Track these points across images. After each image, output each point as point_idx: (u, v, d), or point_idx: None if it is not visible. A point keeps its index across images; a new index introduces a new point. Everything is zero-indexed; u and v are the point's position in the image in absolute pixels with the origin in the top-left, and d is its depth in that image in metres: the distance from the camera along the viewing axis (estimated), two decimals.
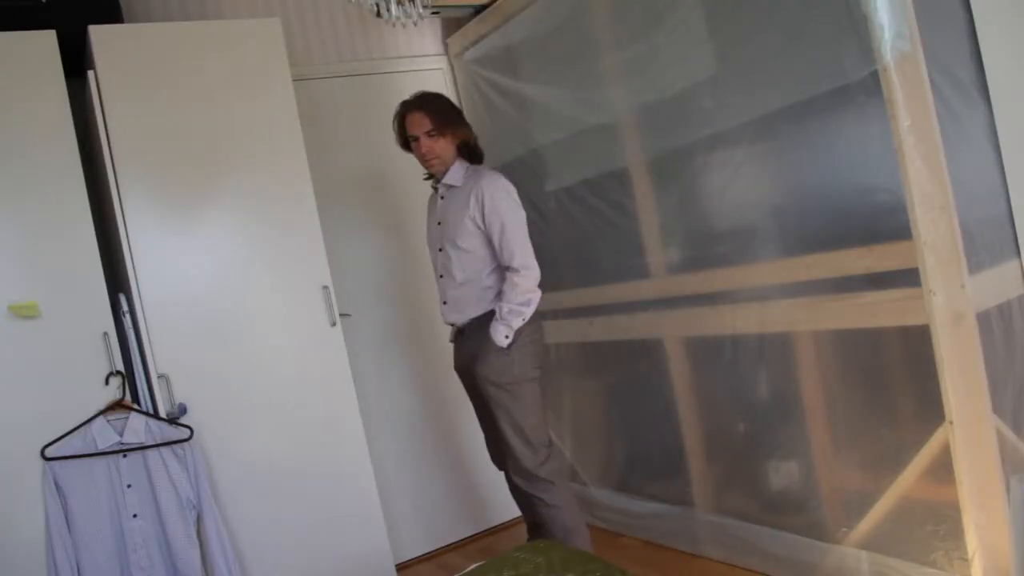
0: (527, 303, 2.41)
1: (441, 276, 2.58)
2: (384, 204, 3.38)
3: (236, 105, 2.64)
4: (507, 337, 2.39)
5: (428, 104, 2.49)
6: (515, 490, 2.60)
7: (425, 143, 2.48)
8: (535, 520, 2.60)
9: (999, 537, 1.89)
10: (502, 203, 2.42)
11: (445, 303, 2.58)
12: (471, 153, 2.58)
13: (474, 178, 2.48)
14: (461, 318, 2.55)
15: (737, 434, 2.58)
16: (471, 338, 2.52)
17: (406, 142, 2.58)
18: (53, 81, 2.36)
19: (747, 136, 2.31)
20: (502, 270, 2.47)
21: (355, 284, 3.23)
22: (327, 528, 2.66)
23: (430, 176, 2.64)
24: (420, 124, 2.47)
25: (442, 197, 2.57)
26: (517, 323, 2.40)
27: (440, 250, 2.56)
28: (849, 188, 2.05)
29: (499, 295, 2.47)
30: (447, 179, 2.53)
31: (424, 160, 2.53)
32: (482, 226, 2.43)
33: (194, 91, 2.58)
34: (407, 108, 2.52)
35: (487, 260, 2.49)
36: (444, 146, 2.49)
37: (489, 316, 2.46)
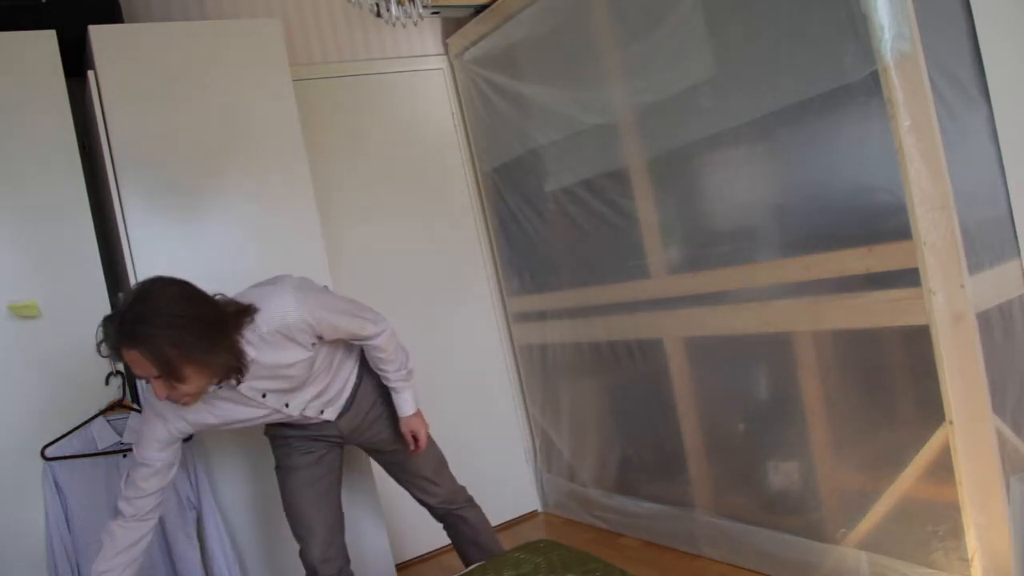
0: (405, 355, 2.13)
1: (304, 409, 2.03)
2: (384, 204, 3.38)
3: (236, 105, 2.64)
4: (415, 402, 2.15)
5: (146, 338, 1.57)
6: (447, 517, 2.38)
7: (161, 388, 1.63)
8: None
9: (999, 537, 1.89)
10: (314, 310, 1.84)
11: (323, 411, 2.09)
12: (233, 373, 1.75)
13: (266, 330, 1.78)
14: (342, 400, 2.13)
15: (737, 434, 2.58)
16: (360, 407, 2.17)
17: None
18: (53, 81, 2.36)
19: (747, 136, 2.31)
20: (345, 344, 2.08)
21: (355, 284, 3.23)
22: None
23: None
24: (140, 366, 1.60)
25: (238, 382, 1.80)
26: (412, 381, 2.15)
27: (287, 405, 1.97)
28: (849, 188, 2.05)
29: (357, 359, 2.15)
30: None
31: (171, 401, 1.70)
32: (313, 351, 1.90)
33: (194, 91, 2.58)
34: (112, 340, 1.60)
35: (328, 352, 2.02)
36: (194, 383, 1.66)
37: (360, 379, 2.16)
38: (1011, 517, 1.79)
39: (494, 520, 3.44)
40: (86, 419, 2.31)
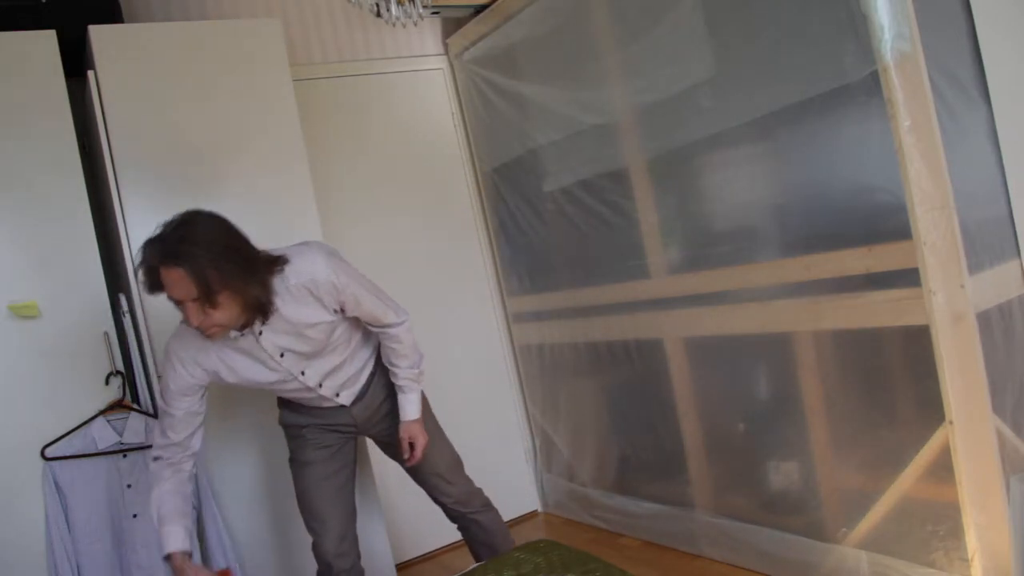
0: (420, 355, 2.12)
1: (320, 384, 2.03)
2: (384, 204, 3.38)
3: (236, 105, 2.64)
4: (419, 408, 2.11)
5: (188, 259, 1.63)
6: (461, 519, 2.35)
7: (194, 313, 1.69)
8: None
9: (999, 537, 1.89)
10: (344, 278, 1.89)
11: (339, 394, 2.09)
12: (260, 309, 1.78)
13: (294, 282, 1.83)
14: (358, 386, 2.13)
15: (737, 434, 2.58)
16: (375, 396, 2.17)
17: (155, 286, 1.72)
18: (53, 81, 2.36)
19: (747, 136, 2.31)
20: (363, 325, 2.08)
21: None
22: None
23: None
24: (179, 287, 1.66)
25: (260, 332, 1.86)
26: (421, 385, 2.12)
27: (303, 373, 1.97)
28: (849, 188, 2.05)
29: (374, 351, 2.14)
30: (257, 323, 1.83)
31: (197, 328, 1.75)
32: (335, 318, 1.93)
33: (194, 91, 2.58)
34: (155, 259, 1.66)
35: (349, 328, 2.04)
36: (225, 308, 1.71)
37: (375, 370, 2.15)
38: (1011, 517, 1.79)
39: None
40: (86, 419, 2.31)
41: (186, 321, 1.74)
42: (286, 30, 2.92)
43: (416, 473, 2.26)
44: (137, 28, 2.68)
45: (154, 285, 1.71)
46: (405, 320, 2.06)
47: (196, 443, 1.94)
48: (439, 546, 3.32)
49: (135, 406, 2.39)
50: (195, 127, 2.57)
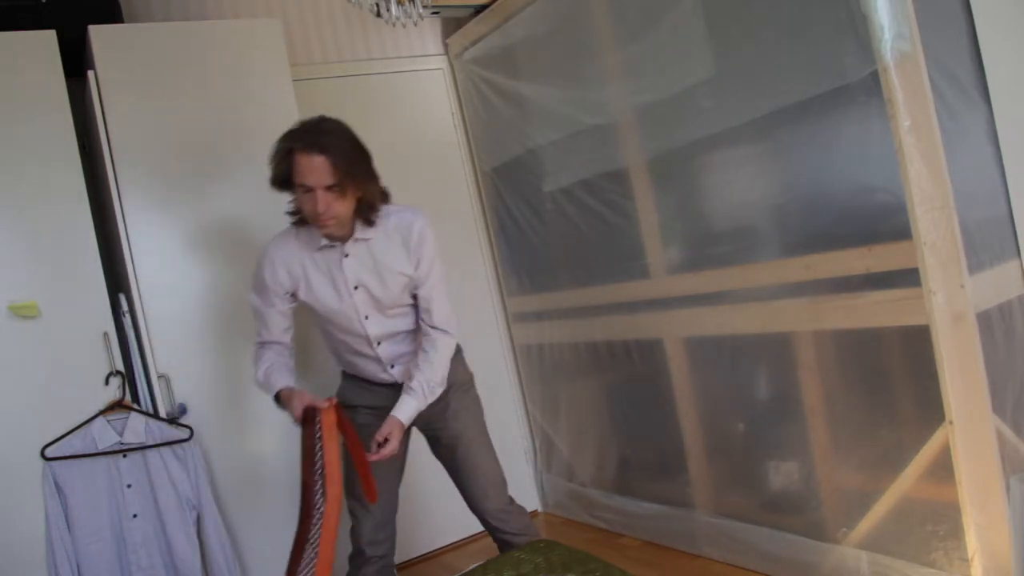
0: (443, 380, 2.06)
1: (379, 343, 2.09)
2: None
3: (236, 105, 2.64)
4: (410, 419, 2.01)
5: (332, 147, 1.82)
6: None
7: (323, 199, 1.83)
8: None
9: (999, 537, 1.89)
10: (436, 249, 2.03)
11: (393, 366, 2.12)
12: (370, 210, 1.96)
13: (394, 222, 1.99)
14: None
15: (737, 434, 2.58)
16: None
17: (286, 183, 1.91)
18: (53, 81, 2.36)
19: (747, 136, 2.31)
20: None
21: None
22: None
23: (304, 221, 1.98)
24: (318, 173, 1.81)
25: (347, 255, 2.00)
26: (424, 404, 2.03)
27: (367, 318, 2.04)
28: (849, 188, 2.05)
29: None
30: (359, 233, 1.98)
31: (316, 218, 1.87)
32: (413, 275, 2.01)
33: (194, 91, 2.58)
34: (302, 147, 1.83)
35: (414, 312, 2.11)
36: (345, 202, 1.88)
37: None
38: (1011, 517, 1.79)
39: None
40: (86, 419, 2.31)
41: (307, 207, 1.87)
42: (286, 30, 2.92)
43: (457, 480, 2.22)
44: (137, 28, 2.68)
45: (283, 174, 1.88)
46: (451, 334, 2.07)
47: (288, 340, 2.11)
48: (439, 546, 3.32)
49: (135, 406, 2.39)
50: (195, 127, 2.57)
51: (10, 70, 2.32)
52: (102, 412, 2.33)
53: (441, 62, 3.57)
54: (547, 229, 3.22)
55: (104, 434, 2.31)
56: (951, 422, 1.88)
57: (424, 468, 3.32)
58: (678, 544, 2.83)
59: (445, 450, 2.20)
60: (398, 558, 3.03)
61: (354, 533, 2.16)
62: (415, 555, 3.27)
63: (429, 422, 2.16)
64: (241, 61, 2.66)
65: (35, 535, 2.23)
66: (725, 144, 2.38)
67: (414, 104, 3.49)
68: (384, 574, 2.19)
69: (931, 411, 1.92)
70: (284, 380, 2.03)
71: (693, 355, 2.67)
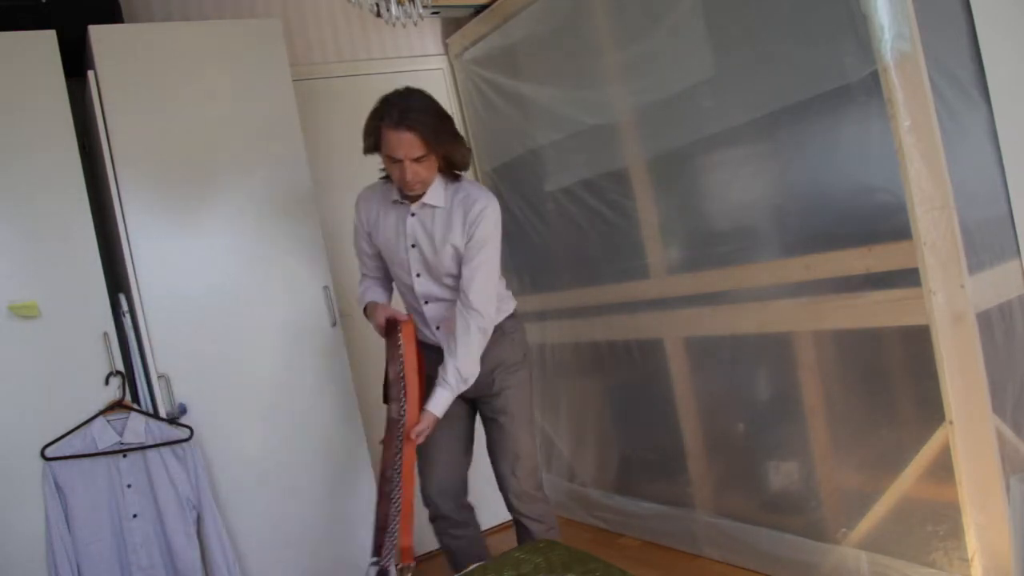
0: (475, 366, 2.09)
1: (426, 302, 2.22)
2: None
3: (236, 105, 2.64)
4: (443, 410, 2.06)
5: (418, 124, 1.98)
6: (463, 530, 2.34)
7: (411, 169, 2.01)
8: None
9: (999, 537, 1.89)
10: (492, 233, 2.10)
11: (439, 327, 2.23)
12: (454, 166, 2.14)
13: (463, 197, 2.11)
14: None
15: (737, 434, 2.58)
16: (484, 350, 2.17)
17: (374, 148, 2.10)
18: (53, 81, 2.36)
19: (747, 136, 2.31)
20: None
21: (355, 284, 3.22)
22: (327, 528, 2.66)
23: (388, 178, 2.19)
24: (406, 146, 1.98)
25: (413, 214, 2.15)
26: (456, 394, 2.08)
27: (418, 276, 2.19)
28: (849, 188, 2.05)
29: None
30: (428, 199, 2.11)
31: (405, 184, 2.06)
32: (462, 249, 2.11)
33: (194, 91, 2.58)
34: (392, 124, 1.99)
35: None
36: (431, 168, 2.06)
37: (505, 319, 2.24)
38: (1011, 517, 1.78)
39: (494, 520, 3.44)
40: (86, 419, 2.31)
41: (395, 175, 2.06)
42: (286, 30, 2.92)
43: (490, 454, 2.29)
44: (137, 28, 2.68)
45: (373, 145, 2.07)
46: (485, 316, 2.10)
47: (382, 276, 2.35)
48: (439, 546, 3.32)
49: (135, 406, 2.39)
50: (195, 127, 2.58)
51: (10, 70, 2.32)
52: (102, 412, 2.33)
53: (441, 62, 3.57)
54: (548, 229, 3.22)
55: (104, 434, 2.31)
56: (951, 422, 1.88)
57: None
58: (678, 544, 2.83)
59: (486, 423, 2.29)
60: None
61: (422, 488, 2.29)
62: (415, 555, 3.26)
63: (477, 395, 2.24)
64: (241, 61, 2.66)
65: (35, 535, 2.23)
66: (725, 144, 2.38)
67: None
68: (462, 540, 2.32)
69: (931, 411, 1.92)
70: (374, 296, 2.30)
71: (693, 355, 2.67)
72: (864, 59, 1.90)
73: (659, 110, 2.59)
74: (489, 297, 2.11)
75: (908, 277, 1.90)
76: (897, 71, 1.84)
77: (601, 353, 3.10)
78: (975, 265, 1.93)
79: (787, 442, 2.40)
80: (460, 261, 2.11)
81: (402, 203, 2.17)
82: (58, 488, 2.26)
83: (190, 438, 2.42)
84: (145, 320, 2.45)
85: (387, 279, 2.35)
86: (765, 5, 2.16)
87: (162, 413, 2.43)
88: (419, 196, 2.12)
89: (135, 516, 2.34)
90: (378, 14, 2.37)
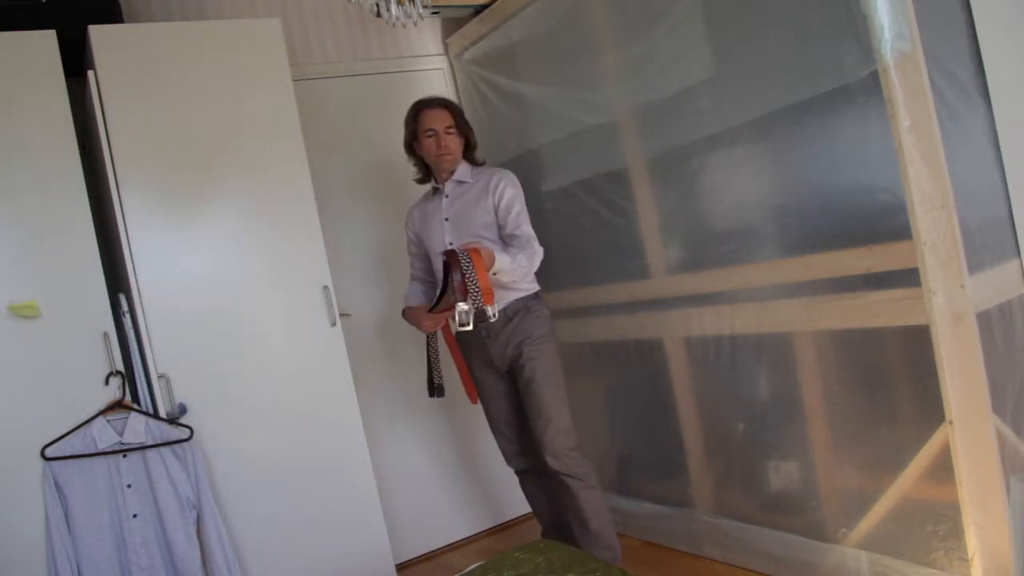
0: (530, 270, 2.46)
1: None
2: (384, 204, 3.37)
3: (236, 105, 2.64)
4: (497, 272, 2.32)
5: (449, 103, 2.63)
6: (545, 481, 2.65)
7: (444, 137, 2.56)
8: (560, 517, 2.70)
9: (999, 537, 1.89)
10: (517, 193, 2.55)
11: None
12: (473, 158, 2.69)
13: (486, 173, 2.61)
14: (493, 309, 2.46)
15: (737, 434, 2.58)
16: (510, 326, 2.52)
17: (411, 141, 2.64)
18: (53, 81, 2.36)
19: (747, 136, 2.31)
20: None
21: (355, 284, 3.23)
22: (327, 528, 2.66)
23: (423, 179, 2.73)
24: (441, 119, 2.57)
25: (447, 195, 2.61)
26: (510, 276, 2.39)
27: (450, 244, 2.54)
28: (849, 188, 2.05)
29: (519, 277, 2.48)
30: (457, 175, 2.61)
31: (438, 154, 2.57)
32: (498, 213, 2.52)
33: (194, 91, 2.58)
34: (427, 105, 2.61)
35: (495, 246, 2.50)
36: (458, 144, 2.60)
37: (529, 298, 2.54)
38: (1011, 517, 1.79)
39: (494, 520, 3.45)
40: (86, 419, 2.31)
41: (430, 149, 2.57)
42: (286, 30, 2.92)
43: (528, 417, 2.55)
44: (137, 28, 2.68)
45: (413, 132, 2.61)
46: (536, 243, 2.47)
47: (427, 277, 2.76)
48: (439, 546, 3.33)
49: (135, 406, 2.39)
50: (195, 127, 2.58)
51: (10, 70, 2.32)
52: (102, 412, 2.34)
53: (441, 62, 3.57)
54: (547, 229, 3.22)
55: (104, 434, 2.31)
56: (951, 422, 1.88)
57: (424, 469, 3.33)
58: (678, 544, 2.83)
59: (520, 393, 2.57)
60: (398, 558, 3.05)
61: (501, 451, 2.75)
62: (415, 555, 3.27)
63: (510, 367, 2.56)
64: (241, 61, 2.66)
65: (35, 535, 2.23)
66: (725, 144, 2.38)
67: None
68: (536, 487, 2.75)
69: (931, 411, 1.92)
70: (415, 300, 2.72)
71: (693, 355, 2.67)
72: (864, 59, 1.90)
73: (659, 110, 2.59)
74: (533, 235, 2.50)
75: (908, 277, 1.90)
76: (897, 71, 1.84)
77: (601, 353, 3.10)
78: (975, 265, 1.93)
79: (787, 442, 2.40)
80: (494, 223, 2.53)
81: (438, 189, 2.65)
82: (58, 488, 2.26)
83: (190, 438, 2.42)
84: (145, 320, 2.45)
85: (430, 278, 2.73)
86: (765, 5, 2.16)
87: (162, 413, 2.43)
88: (450, 172, 2.61)
89: (135, 516, 2.34)
90: (378, 14, 2.37)
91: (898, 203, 1.89)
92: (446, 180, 2.63)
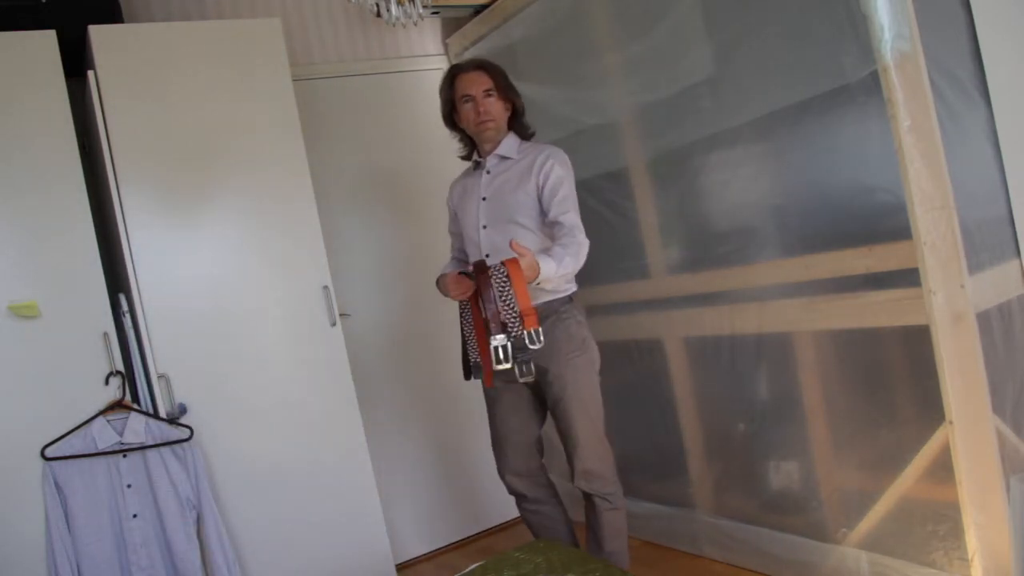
0: (576, 261, 2.14)
1: (488, 256, 2.29)
2: (384, 204, 3.38)
3: (236, 105, 2.64)
4: (541, 279, 2.03)
5: (486, 64, 2.36)
6: (549, 508, 2.47)
7: (482, 102, 2.30)
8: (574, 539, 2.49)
9: (999, 537, 1.89)
10: (566, 175, 2.26)
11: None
12: (521, 127, 2.41)
13: (533, 150, 2.33)
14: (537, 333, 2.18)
15: (737, 434, 2.58)
16: (544, 326, 2.19)
17: (450, 112, 2.40)
18: (53, 81, 2.36)
19: (747, 136, 2.31)
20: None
21: (355, 284, 3.23)
22: (327, 528, 2.66)
23: (469, 155, 2.47)
24: (477, 82, 2.31)
25: (488, 171, 2.36)
26: (555, 284, 2.13)
27: (484, 227, 2.33)
28: (849, 188, 2.05)
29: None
30: (501, 150, 2.34)
31: (478, 122, 2.31)
32: (542, 196, 2.25)
33: (194, 91, 2.58)
34: (460, 69, 2.36)
35: (546, 241, 2.26)
36: (500, 110, 2.34)
37: (560, 302, 2.26)
38: (1011, 517, 1.79)
39: (494, 520, 3.45)
40: (86, 419, 2.31)
41: (469, 116, 2.33)
42: (286, 30, 2.92)
43: (557, 427, 2.35)
44: (137, 28, 2.68)
45: (450, 99, 2.37)
46: (581, 240, 2.18)
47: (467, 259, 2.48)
48: (439, 546, 3.33)
49: (135, 406, 2.39)
50: (195, 127, 2.58)
51: (10, 70, 2.32)
52: (102, 412, 2.34)
53: (441, 62, 3.57)
54: None
55: (104, 434, 2.31)
56: (951, 422, 1.88)
57: (424, 469, 3.33)
58: (678, 544, 2.83)
59: (549, 408, 2.36)
60: (398, 558, 3.04)
61: (498, 470, 2.46)
62: (415, 555, 3.27)
63: (540, 383, 2.31)
64: (241, 61, 2.66)
65: (35, 535, 2.23)
66: (725, 144, 2.38)
67: (414, 104, 3.49)
68: (538, 515, 2.47)
69: (931, 411, 1.92)
70: (449, 268, 2.46)
71: (693, 355, 2.67)
72: (864, 59, 1.90)
73: (659, 110, 2.59)
74: (578, 225, 2.23)
75: (908, 277, 1.90)
76: (897, 71, 1.84)
77: (601, 353, 3.09)
78: (975, 265, 1.93)
79: (787, 442, 2.40)
80: (536, 208, 2.27)
81: (480, 163, 2.40)
82: (58, 488, 2.26)
83: (190, 438, 2.42)
84: (145, 320, 2.45)
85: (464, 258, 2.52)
86: (765, 5, 2.16)
87: (162, 413, 2.43)
88: (494, 144, 2.35)
89: (135, 516, 2.34)
90: (378, 14, 2.37)
91: (898, 203, 1.89)
92: (489, 153, 2.36)
